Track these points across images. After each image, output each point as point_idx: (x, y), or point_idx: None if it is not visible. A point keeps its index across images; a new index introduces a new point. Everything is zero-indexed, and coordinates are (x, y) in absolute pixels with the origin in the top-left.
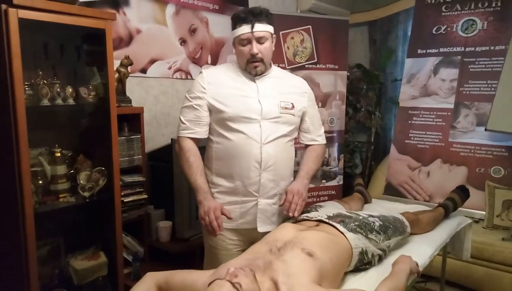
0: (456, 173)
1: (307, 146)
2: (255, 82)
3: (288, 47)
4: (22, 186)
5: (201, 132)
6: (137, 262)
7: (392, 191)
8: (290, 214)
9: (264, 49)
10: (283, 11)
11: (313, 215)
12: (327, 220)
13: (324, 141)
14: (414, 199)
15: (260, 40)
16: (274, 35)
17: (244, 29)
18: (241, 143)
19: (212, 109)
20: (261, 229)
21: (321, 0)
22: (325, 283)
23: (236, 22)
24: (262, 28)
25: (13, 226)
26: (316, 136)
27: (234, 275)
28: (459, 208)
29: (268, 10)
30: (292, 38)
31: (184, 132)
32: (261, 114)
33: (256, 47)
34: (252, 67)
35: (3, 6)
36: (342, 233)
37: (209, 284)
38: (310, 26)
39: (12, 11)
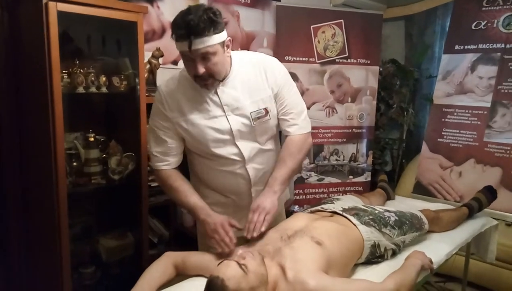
0: (490, 174)
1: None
2: (217, 93)
3: (318, 41)
4: (57, 167)
5: (176, 161)
6: (162, 244)
7: (422, 190)
8: (248, 236)
9: (213, 65)
10: (314, 5)
11: (327, 207)
12: (341, 212)
13: (302, 131)
14: (444, 199)
15: (204, 57)
16: (227, 40)
17: (182, 47)
18: (223, 165)
19: (184, 136)
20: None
21: None
22: (332, 272)
23: (173, 34)
24: (203, 44)
25: (48, 204)
26: (291, 125)
27: (242, 257)
28: (491, 210)
29: (214, 14)
30: (323, 32)
31: (158, 165)
32: (231, 133)
33: (201, 67)
34: (201, 85)
35: (44, 0)
36: (355, 225)
37: (218, 263)
38: (342, 20)
39: (51, 4)
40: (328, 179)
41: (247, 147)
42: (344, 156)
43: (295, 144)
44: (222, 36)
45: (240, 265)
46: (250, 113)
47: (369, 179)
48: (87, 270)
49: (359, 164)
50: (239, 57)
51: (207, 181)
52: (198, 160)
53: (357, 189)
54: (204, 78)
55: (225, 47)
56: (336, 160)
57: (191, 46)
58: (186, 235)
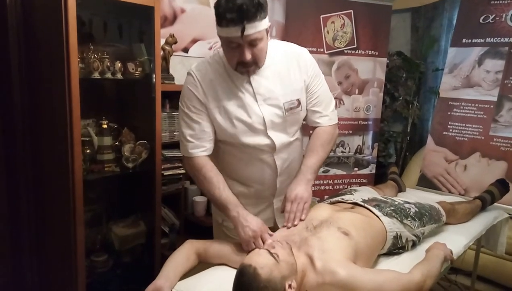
0: (495, 168)
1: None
2: (250, 83)
3: (328, 32)
4: (73, 153)
5: (211, 147)
6: (173, 233)
7: (426, 183)
8: (289, 226)
9: (259, 51)
10: None
11: (348, 197)
12: (362, 203)
13: (331, 122)
14: (448, 192)
15: (252, 43)
16: (269, 27)
17: (232, 32)
18: (250, 154)
19: (213, 123)
20: (279, 222)
21: None
22: (359, 262)
23: (222, 19)
24: (255, 30)
25: (63, 191)
26: (321, 117)
27: (271, 246)
28: (498, 203)
29: None
30: (333, 22)
31: (194, 152)
32: (264, 124)
33: (248, 53)
34: (243, 72)
35: None
36: (378, 217)
37: (248, 252)
38: (351, 11)
39: None
40: (333, 171)
41: (278, 138)
42: (350, 148)
43: (326, 134)
44: (267, 21)
45: (271, 254)
46: (283, 103)
47: (373, 171)
48: (100, 258)
49: (364, 156)
50: (272, 46)
51: (231, 170)
52: (223, 149)
53: (361, 181)
54: (248, 65)
55: (268, 34)
56: (342, 151)
57: (244, 31)
58: (197, 224)
